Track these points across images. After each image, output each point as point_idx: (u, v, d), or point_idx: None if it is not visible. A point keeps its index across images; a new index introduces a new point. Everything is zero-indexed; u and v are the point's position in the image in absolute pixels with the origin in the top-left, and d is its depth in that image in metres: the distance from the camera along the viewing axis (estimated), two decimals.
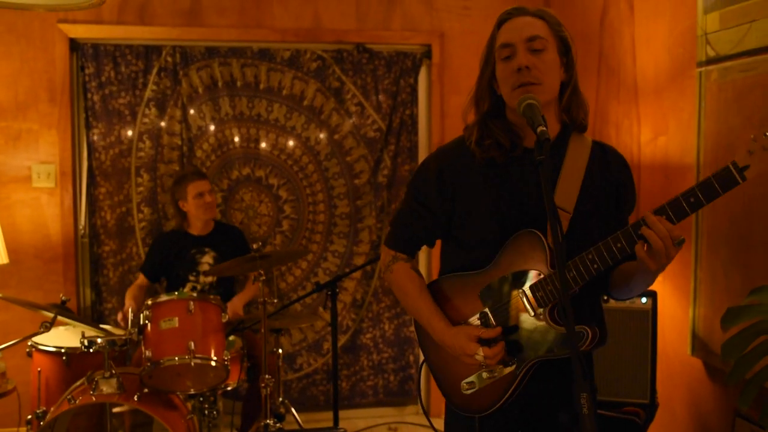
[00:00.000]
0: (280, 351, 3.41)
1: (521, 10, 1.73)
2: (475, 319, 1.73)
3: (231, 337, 3.32)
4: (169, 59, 3.99)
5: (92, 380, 2.85)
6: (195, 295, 3.05)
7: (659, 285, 2.90)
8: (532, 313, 1.64)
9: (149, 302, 2.98)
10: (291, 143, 4.18)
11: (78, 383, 2.94)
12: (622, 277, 1.70)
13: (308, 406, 4.20)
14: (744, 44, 2.53)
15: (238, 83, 4.09)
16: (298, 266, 4.23)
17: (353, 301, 4.27)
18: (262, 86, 4.12)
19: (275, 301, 3.25)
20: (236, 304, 3.60)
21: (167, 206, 4.04)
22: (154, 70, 4.00)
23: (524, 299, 1.65)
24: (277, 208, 4.20)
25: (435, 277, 1.87)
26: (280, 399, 3.40)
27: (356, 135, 4.21)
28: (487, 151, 1.72)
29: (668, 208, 1.51)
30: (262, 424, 3.12)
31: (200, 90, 4.05)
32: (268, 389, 3.10)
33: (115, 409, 3.23)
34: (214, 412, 3.34)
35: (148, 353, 2.87)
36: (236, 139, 4.12)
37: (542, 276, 1.63)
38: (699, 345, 2.79)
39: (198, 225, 3.75)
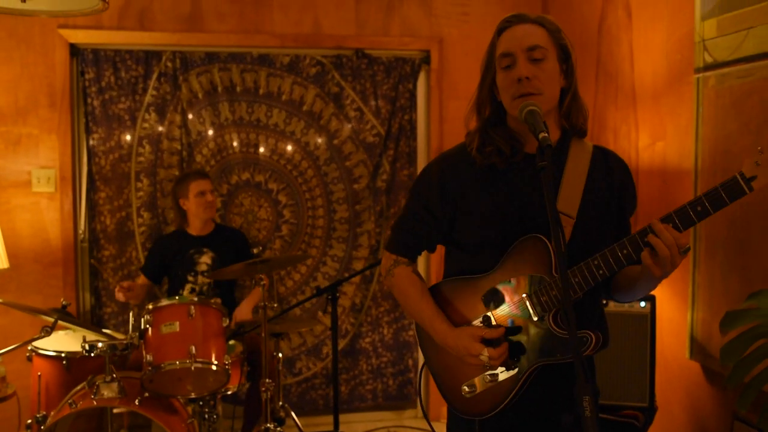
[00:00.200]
0: (280, 355, 3.42)
1: (521, 18, 1.74)
2: (477, 323, 1.73)
3: (231, 342, 3.32)
4: (169, 64, 4.01)
5: (93, 384, 2.85)
6: (196, 299, 3.05)
7: (658, 289, 2.91)
8: (536, 318, 1.65)
9: (150, 306, 2.99)
10: (290, 148, 4.19)
11: (79, 387, 2.95)
12: (626, 281, 1.72)
13: (307, 411, 4.21)
14: (741, 51, 2.55)
15: (238, 88, 4.11)
16: (297, 271, 4.25)
17: (352, 305, 4.28)
18: (261, 91, 4.13)
19: (275, 305, 3.26)
20: (244, 310, 3.62)
21: (167, 211, 4.06)
22: (154, 76, 4.01)
23: (528, 304, 1.66)
24: (277, 212, 4.21)
25: (433, 282, 1.88)
26: (280, 403, 3.41)
27: (355, 140, 4.23)
28: (488, 158, 1.73)
29: (675, 216, 1.52)
30: (263, 428, 3.13)
31: (200, 95, 4.07)
32: (269, 393, 3.11)
33: (115, 410, 3.23)
34: (214, 416, 3.34)
35: (149, 357, 2.87)
36: (236, 144, 4.13)
37: (547, 281, 1.64)
38: (697, 348, 2.81)
39: (197, 225, 3.77)
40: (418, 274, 1.89)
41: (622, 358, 2.80)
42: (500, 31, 1.75)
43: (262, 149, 4.17)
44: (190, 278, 3.72)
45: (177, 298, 3.04)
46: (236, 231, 3.98)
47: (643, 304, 2.84)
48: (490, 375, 1.69)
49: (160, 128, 4.05)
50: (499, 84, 1.74)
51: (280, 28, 4.12)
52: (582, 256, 1.61)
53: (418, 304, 1.81)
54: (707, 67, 2.74)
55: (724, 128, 2.65)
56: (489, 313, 1.72)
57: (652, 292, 2.74)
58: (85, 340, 2.86)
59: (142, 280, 3.79)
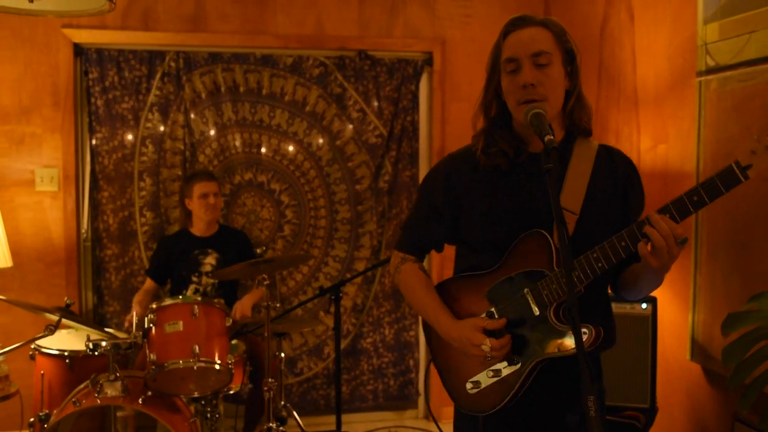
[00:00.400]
0: (283, 355, 3.44)
1: (526, 21, 1.74)
2: (482, 317, 1.76)
3: (234, 341, 3.34)
4: (173, 65, 4.02)
5: (96, 383, 2.87)
6: (199, 299, 3.06)
7: (659, 291, 2.92)
8: (538, 312, 1.67)
9: (154, 306, 3.00)
10: (293, 149, 4.21)
11: (82, 386, 2.96)
12: (631, 278, 1.73)
13: (308, 410, 4.22)
14: (743, 54, 2.57)
15: (241, 89, 4.12)
16: (299, 271, 4.26)
17: (354, 305, 4.30)
18: (264, 92, 4.15)
19: (278, 305, 3.27)
20: (245, 305, 3.62)
21: (170, 210, 4.08)
22: (158, 76, 4.02)
23: (530, 298, 1.68)
24: (279, 213, 4.22)
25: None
26: (282, 403, 3.42)
27: (358, 141, 4.24)
28: (492, 160, 1.76)
29: (672, 207, 1.53)
30: (265, 427, 3.14)
31: (203, 95, 4.08)
32: (271, 393, 3.12)
33: (119, 413, 3.24)
34: (216, 416, 3.36)
35: (152, 356, 2.89)
36: (238, 144, 4.15)
37: (547, 276, 1.66)
38: (698, 350, 2.83)
39: (201, 226, 3.79)
40: (425, 271, 1.92)
41: (624, 359, 2.82)
42: (505, 33, 1.75)
43: (264, 149, 4.18)
44: (194, 279, 3.74)
45: (180, 297, 3.06)
46: (239, 232, 4.00)
47: (644, 305, 2.86)
48: (493, 371, 1.71)
49: (164, 128, 4.06)
50: (504, 88, 1.76)
51: (283, 29, 4.13)
52: (585, 251, 1.63)
53: (424, 299, 1.85)
54: (709, 71, 2.76)
55: (725, 131, 2.67)
56: (492, 309, 1.74)
57: (654, 294, 2.77)
58: (89, 339, 2.88)
59: (148, 284, 3.80)
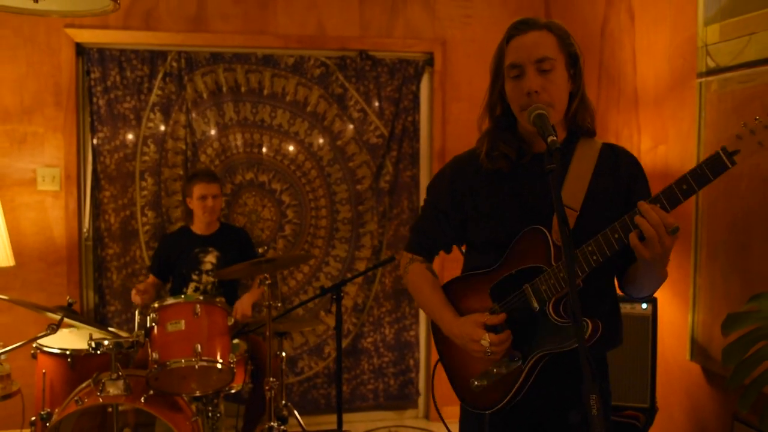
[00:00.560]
0: (284, 354, 3.45)
1: (530, 24, 1.74)
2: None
3: (235, 341, 3.35)
4: (174, 64, 4.03)
5: (99, 382, 2.88)
6: (201, 298, 3.08)
7: (659, 291, 2.94)
8: (537, 308, 1.69)
9: (156, 305, 3.02)
10: (294, 149, 4.22)
11: (84, 385, 2.97)
12: (633, 273, 1.74)
13: (309, 410, 4.24)
14: (744, 56, 2.58)
15: (243, 89, 4.13)
16: (300, 270, 4.27)
17: (354, 305, 4.31)
18: (266, 92, 4.16)
19: (279, 304, 3.29)
20: (245, 304, 3.64)
21: (171, 210, 4.09)
22: (159, 75, 4.03)
23: (529, 294, 1.70)
24: (280, 212, 4.23)
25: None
26: (284, 402, 3.43)
27: (359, 141, 4.25)
28: (495, 163, 1.79)
29: (662, 196, 1.53)
30: (266, 426, 3.15)
31: (205, 95, 4.09)
32: (273, 392, 3.14)
33: (120, 408, 3.25)
34: (217, 415, 3.37)
35: (154, 355, 2.90)
36: (240, 144, 4.16)
37: (546, 271, 1.67)
38: (698, 350, 2.84)
39: (201, 224, 3.80)
40: (432, 271, 1.96)
41: (624, 359, 2.83)
42: (509, 38, 1.76)
43: (265, 149, 4.19)
44: (195, 277, 3.75)
45: (183, 296, 3.07)
46: (240, 230, 4.01)
47: (644, 305, 2.87)
48: (496, 367, 1.72)
49: (165, 128, 4.07)
50: (508, 93, 1.77)
51: (285, 29, 4.14)
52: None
53: (429, 298, 1.89)
54: (709, 72, 2.77)
55: (725, 132, 2.68)
56: (495, 306, 1.77)
57: (654, 294, 2.78)
58: (91, 338, 2.89)
59: (151, 280, 3.82)
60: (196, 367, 2.94)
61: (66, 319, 3.02)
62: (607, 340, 1.76)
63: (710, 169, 1.48)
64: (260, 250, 3.19)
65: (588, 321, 1.63)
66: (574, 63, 1.75)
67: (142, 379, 2.97)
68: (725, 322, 2.21)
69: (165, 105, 4.06)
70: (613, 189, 1.76)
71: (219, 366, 2.97)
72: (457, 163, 1.91)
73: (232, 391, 3.37)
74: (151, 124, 4.05)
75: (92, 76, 3.97)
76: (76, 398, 2.85)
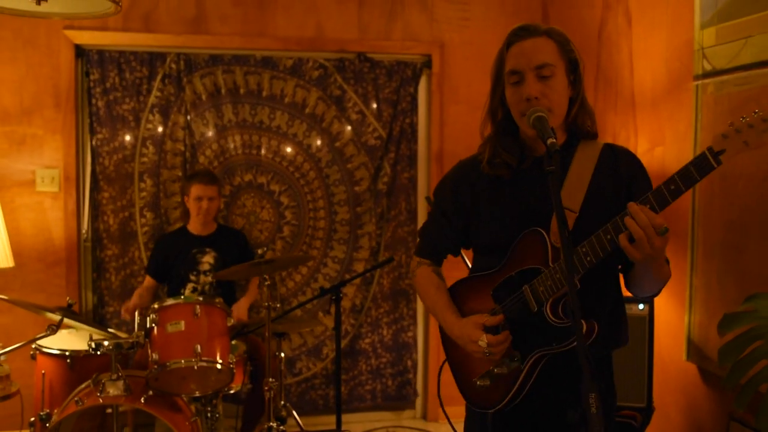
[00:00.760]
0: (282, 355, 3.46)
1: (529, 31, 1.76)
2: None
3: (234, 341, 3.36)
4: (173, 66, 4.05)
5: (98, 382, 2.88)
6: (201, 299, 3.09)
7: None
8: (535, 308, 1.71)
9: (156, 306, 3.02)
10: (292, 150, 4.23)
11: (83, 385, 2.98)
12: (633, 274, 1.76)
13: (307, 410, 4.25)
14: (740, 59, 2.61)
15: (241, 90, 4.15)
16: (298, 272, 4.29)
17: (352, 306, 4.32)
18: (264, 94, 4.18)
19: (278, 305, 3.30)
20: (241, 309, 3.66)
21: (170, 211, 4.11)
22: (158, 77, 4.05)
23: (528, 295, 1.73)
24: (279, 214, 4.25)
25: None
26: (282, 402, 3.45)
27: (357, 143, 4.27)
28: (496, 170, 1.82)
29: (651, 197, 1.54)
30: (266, 426, 3.16)
31: (204, 97, 4.11)
32: (272, 392, 3.15)
33: (120, 408, 3.26)
34: (216, 416, 3.38)
35: (154, 356, 2.91)
36: (238, 145, 4.17)
37: (543, 272, 1.69)
38: (694, 350, 2.86)
39: (197, 225, 3.82)
40: (438, 274, 2.00)
41: (621, 359, 2.83)
42: (509, 44, 1.77)
43: (264, 151, 4.21)
44: (192, 277, 3.76)
45: (182, 297, 3.08)
46: (238, 231, 4.03)
47: (641, 306, 2.89)
48: (497, 367, 1.75)
49: (164, 129, 4.08)
50: (508, 99, 1.79)
51: (284, 31, 4.16)
52: None
53: (434, 299, 1.92)
54: (706, 75, 2.80)
55: None
56: (496, 307, 1.79)
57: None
58: (91, 339, 2.90)
59: (147, 282, 3.83)
60: (196, 367, 2.94)
61: (65, 320, 3.04)
62: (609, 339, 1.78)
63: (697, 169, 1.50)
64: (259, 251, 3.20)
65: (582, 322, 1.64)
66: (574, 69, 1.77)
67: (142, 379, 2.98)
68: (722, 321, 2.23)
69: (164, 106, 4.07)
70: (612, 189, 1.77)
71: (219, 366, 2.98)
72: (460, 168, 1.95)
73: (231, 392, 3.38)
74: (150, 126, 4.07)
75: (91, 77, 3.98)
76: (76, 399, 2.85)
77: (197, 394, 3.10)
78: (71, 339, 3.32)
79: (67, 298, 3.11)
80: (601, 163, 1.79)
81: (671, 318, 3.01)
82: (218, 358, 2.98)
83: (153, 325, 2.98)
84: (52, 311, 3.03)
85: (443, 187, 1.98)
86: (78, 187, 4.01)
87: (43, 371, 3.14)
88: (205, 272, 3.77)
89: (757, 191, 2.53)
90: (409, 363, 4.40)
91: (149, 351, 2.96)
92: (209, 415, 3.35)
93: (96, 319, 4.05)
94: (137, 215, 4.08)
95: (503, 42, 1.79)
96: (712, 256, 2.76)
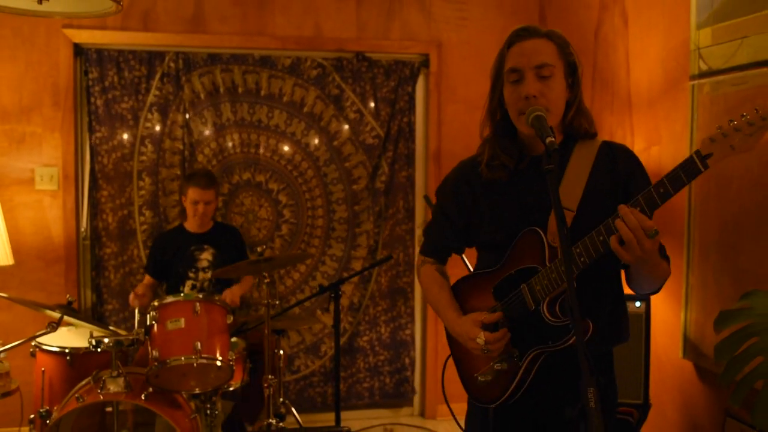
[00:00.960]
0: (282, 352, 3.48)
1: (531, 32, 1.79)
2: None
3: (233, 339, 3.38)
4: (172, 65, 4.06)
5: (99, 379, 2.90)
6: (201, 296, 3.11)
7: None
8: (533, 307, 1.74)
9: (156, 303, 3.04)
10: (291, 149, 4.25)
11: (84, 382, 2.99)
12: (631, 271, 1.78)
13: (305, 408, 4.27)
14: (736, 59, 2.64)
15: (240, 89, 4.16)
16: (296, 270, 4.30)
17: (350, 304, 4.34)
18: (263, 93, 4.19)
19: (276, 302, 3.32)
20: (234, 293, 3.68)
21: (168, 210, 4.12)
22: (157, 76, 4.06)
23: (526, 294, 1.76)
24: (277, 212, 4.27)
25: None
26: (281, 399, 3.46)
27: (355, 141, 4.29)
28: (494, 173, 1.85)
29: (641, 199, 1.57)
30: (265, 423, 3.18)
31: (202, 96, 4.12)
32: (271, 389, 3.17)
33: (120, 406, 3.27)
34: (215, 413, 3.40)
35: (155, 353, 2.93)
36: (237, 144, 4.19)
37: (540, 271, 1.72)
38: (690, 348, 2.89)
39: (194, 223, 3.84)
40: (441, 272, 2.04)
41: (618, 356, 2.85)
42: (510, 44, 1.80)
43: (262, 150, 4.23)
44: (191, 275, 3.78)
45: (182, 294, 3.10)
46: (234, 229, 4.04)
47: (638, 304, 2.92)
48: (497, 364, 1.78)
49: (163, 128, 4.09)
50: (506, 97, 1.82)
51: (282, 30, 4.18)
52: None
53: (437, 297, 1.97)
54: (702, 75, 2.82)
55: None
56: (496, 304, 1.83)
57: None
58: (92, 336, 2.91)
59: (147, 280, 3.84)
60: (196, 364, 2.97)
61: (65, 318, 3.05)
62: (609, 336, 1.80)
63: (685, 172, 1.52)
64: (258, 249, 3.22)
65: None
66: (572, 72, 1.80)
67: (142, 376, 3.00)
68: (718, 319, 2.25)
69: (162, 105, 4.08)
70: (610, 187, 1.80)
71: (218, 363, 3.00)
72: (460, 168, 1.99)
73: (231, 389, 3.40)
74: (148, 125, 4.08)
75: (90, 76, 3.99)
76: (76, 395, 2.87)
77: (197, 391, 3.13)
78: (71, 336, 3.33)
79: (67, 295, 3.12)
80: (599, 161, 1.82)
81: (668, 316, 3.04)
82: (218, 355, 3.01)
83: (153, 322, 3.00)
84: (53, 309, 3.05)
85: (444, 187, 2.01)
86: (77, 185, 4.02)
87: (42, 368, 3.16)
88: (203, 269, 3.78)
89: (751, 192, 2.56)
90: (407, 360, 4.43)
91: (149, 348, 2.98)
92: (208, 412, 3.37)
93: (95, 316, 4.06)
94: (136, 213, 4.09)
95: (504, 42, 1.82)
96: (708, 254, 2.79)
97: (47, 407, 3.11)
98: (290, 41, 4.17)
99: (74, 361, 3.17)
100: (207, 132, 4.15)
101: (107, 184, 4.04)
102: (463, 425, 2.03)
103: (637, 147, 3.31)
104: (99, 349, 2.90)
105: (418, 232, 4.39)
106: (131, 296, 3.60)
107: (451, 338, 1.96)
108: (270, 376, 3.16)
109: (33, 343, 3.18)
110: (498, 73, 1.83)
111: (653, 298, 2.98)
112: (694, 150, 2.78)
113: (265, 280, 3.16)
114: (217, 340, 3.04)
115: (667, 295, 3.02)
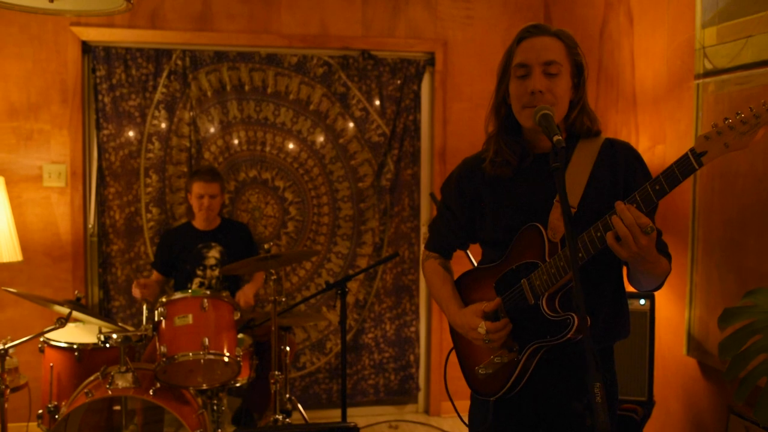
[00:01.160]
0: (288, 349, 3.50)
1: (541, 29, 1.81)
2: None
3: (240, 335, 3.41)
4: (179, 63, 4.08)
5: (107, 375, 2.93)
6: (208, 293, 3.13)
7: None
8: (532, 301, 1.76)
9: (164, 299, 3.07)
10: (297, 146, 4.27)
11: (92, 378, 3.02)
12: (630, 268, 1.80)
13: (310, 404, 4.29)
14: (740, 58, 2.65)
15: (246, 87, 4.18)
16: (302, 267, 4.33)
17: (356, 301, 4.37)
18: (269, 90, 4.21)
19: (283, 299, 3.34)
20: (247, 293, 3.71)
21: (175, 207, 4.14)
22: (164, 74, 4.08)
23: (526, 288, 1.78)
24: (283, 209, 4.29)
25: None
26: (287, 395, 3.49)
27: (360, 139, 4.31)
28: (498, 169, 1.88)
29: (638, 196, 1.58)
30: (271, 419, 3.21)
31: (209, 93, 4.14)
32: (278, 385, 3.19)
33: (128, 401, 3.30)
34: (222, 409, 3.42)
35: (163, 349, 2.95)
36: (243, 141, 4.21)
37: (540, 266, 1.74)
38: (694, 345, 2.91)
39: (201, 221, 3.86)
40: (444, 266, 2.07)
41: (623, 353, 2.89)
42: (519, 39, 1.82)
43: (269, 147, 4.25)
44: (199, 272, 3.80)
45: (190, 291, 3.12)
46: (242, 225, 4.07)
47: (642, 302, 2.94)
48: (497, 357, 1.80)
49: (170, 125, 4.12)
50: (511, 91, 1.84)
51: (288, 28, 4.20)
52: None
53: (439, 291, 2.00)
54: (707, 74, 2.84)
55: None
56: (498, 298, 1.85)
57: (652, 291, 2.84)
58: (100, 331, 2.94)
59: (155, 276, 3.87)
60: (204, 360, 2.99)
61: (74, 314, 3.08)
62: (609, 332, 1.82)
63: (680, 170, 1.54)
64: (266, 246, 3.24)
65: (574, 316, 1.69)
66: (578, 73, 1.82)
67: (150, 372, 3.03)
68: (722, 316, 2.27)
69: (170, 103, 4.11)
70: (611, 184, 1.81)
71: (226, 359, 3.02)
72: (464, 166, 2.01)
73: (237, 385, 3.42)
74: (155, 122, 4.10)
75: (98, 73, 4.02)
76: (85, 390, 2.89)
77: (204, 386, 3.15)
78: (78, 332, 3.36)
79: (75, 291, 3.15)
80: (601, 158, 1.84)
81: (672, 313, 3.05)
82: (225, 351, 3.03)
83: (161, 318, 3.03)
84: (61, 304, 3.07)
85: (449, 184, 2.04)
86: (84, 182, 4.05)
87: (51, 364, 3.19)
88: (211, 267, 3.81)
89: (755, 189, 2.57)
90: (412, 358, 4.45)
91: (157, 344, 3.01)
92: (215, 408, 3.40)
93: (102, 313, 4.09)
94: (143, 210, 4.12)
95: (514, 38, 1.84)
96: (712, 252, 2.81)
97: (55, 402, 3.14)
98: (296, 39, 4.19)
99: (82, 357, 3.19)
100: (213, 129, 4.18)
101: (114, 181, 4.07)
102: (467, 420, 2.05)
103: (642, 145, 3.32)
104: (108, 345, 2.92)
105: (424, 229, 4.42)
106: (133, 285, 3.59)
107: (453, 332, 1.99)
108: (276, 372, 3.19)
109: (41, 339, 3.21)
110: (506, 67, 1.85)
111: (658, 295, 3.00)
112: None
113: (272, 277, 3.18)
114: (225, 336, 3.06)
115: (671, 292, 3.04)
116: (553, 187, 1.76)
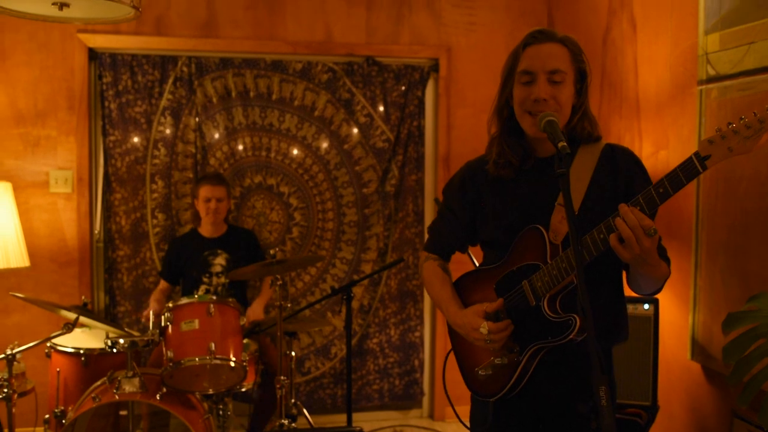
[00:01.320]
0: (293, 354, 3.52)
1: (547, 35, 1.83)
2: None
3: (245, 341, 3.42)
4: (185, 69, 4.11)
5: (114, 380, 2.95)
6: (215, 298, 3.15)
7: (660, 292, 3.02)
8: (533, 303, 1.78)
9: (170, 305, 3.09)
10: (301, 152, 4.30)
11: (99, 383, 3.04)
12: (630, 271, 1.82)
13: (315, 409, 4.30)
14: (743, 64, 2.67)
15: (251, 93, 4.21)
16: (307, 272, 4.35)
17: (360, 306, 4.38)
18: (274, 97, 4.24)
19: (288, 305, 3.36)
20: (257, 310, 3.73)
21: (181, 212, 4.17)
22: (170, 80, 4.11)
23: (527, 290, 1.80)
24: (288, 215, 4.31)
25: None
26: (293, 400, 3.50)
27: (365, 145, 4.33)
28: (500, 171, 1.90)
29: (641, 198, 1.60)
30: (277, 423, 3.22)
31: (214, 100, 4.17)
32: (283, 390, 3.20)
33: (135, 407, 3.32)
34: (228, 413, 3.44)
35: (169, 354, 2.97)
36: (248, 147, 4.23)
37: (541, 268, 1.76)
38: (698, 350, 2.92)
39: (208, 227, 3.88)
40: (444, 268, 2.07)
41: (627, 358, 2.91)
42: (525, 45, 1.84)
43: (274, 153, 4.27)
44: (205, 279, 3.82)
45: (196, 296, 3.14)
46: (248, 231, 4.09)
47: (646, 306, 2.95)
48: (497, 358, 1.82)
49: (175, 131, 4.14)
50: (515, 96, 1.86)
51: (293, 35, 4.23)
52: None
53: (438, 291, 2.01)
54: (710, 80, 2.85)
55: None
56: (500, 299, 1.86)
57: (656, 296, 2.85)
58: (107, 337, 2.96)
59: (162, 285, 3.89)
60: (210, 365, 3.01)
61: (81, 319, 3.10)
62: (607, 335, 1.83)
63: (684, 173, 1.55)
64: (271, 252, 3.26)
65: (575, 317, 1.70)
66: (582, 79, 1.85)
67: (157, 377, 3.04)
68: (726, 321, 2.28)
69: (175, 109, 4.14)
70: (611, 189, 1.83)
71: (232, 364, 3.04)
72: (467, 168, 2.04)
73: (243, 390, 3.44)
74: (161, 128, 4.13)
75: (104, 80, 4.05)
76: (92, 395, 2.91)
77: (210, 391, 3.17)
78: (85, 337, 3.38)
79: (82, 297, 3.17)
80: (601, 163, 1.86)
81: (676, 318, 3.06)
82: (231, 355, 3.05)
83: (168, 323, 3.05)
84: (69, 310, 3.09)
85: (451, 185, 2.06)
86: (91, 188, 4.07)
87: (57, 369, 3.21)
88: (217, 274, 3.83)
89: (759, 193, 2.58)
90: (416, 363, 4.46)
91: (164, 349, 3.02)
92: (220, 413, 3.41)
93: (108, 318, 4.11)
94: (149, 216, 4.14)
95: (519, 42, 1.86)
96: (716, 257, 2.82)
97: (62, 407, 3.16)
98: (301, 46, 4.22)
99: (89, 362, 3.22)
100: (219, 135, 4.20)
101: (120, 187, 4.10)
102: (468, 424, 2.06)
103: (645, 151, 3.34)
104: (114, 350, 2.94)
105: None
106: (143, 318, 3.64)
107: (452, 332, 2.00)
108: (282, 377, 3.20)
109: (48, 344, 3.23)
110: (510, 72, 1.87)
111: (661, 300, 3.01)
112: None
113: (278, 282, 3.20)
114: (231, 341, 3.08)
115: (674, 297, 3.05)
116: (554, 189, 1.78)
